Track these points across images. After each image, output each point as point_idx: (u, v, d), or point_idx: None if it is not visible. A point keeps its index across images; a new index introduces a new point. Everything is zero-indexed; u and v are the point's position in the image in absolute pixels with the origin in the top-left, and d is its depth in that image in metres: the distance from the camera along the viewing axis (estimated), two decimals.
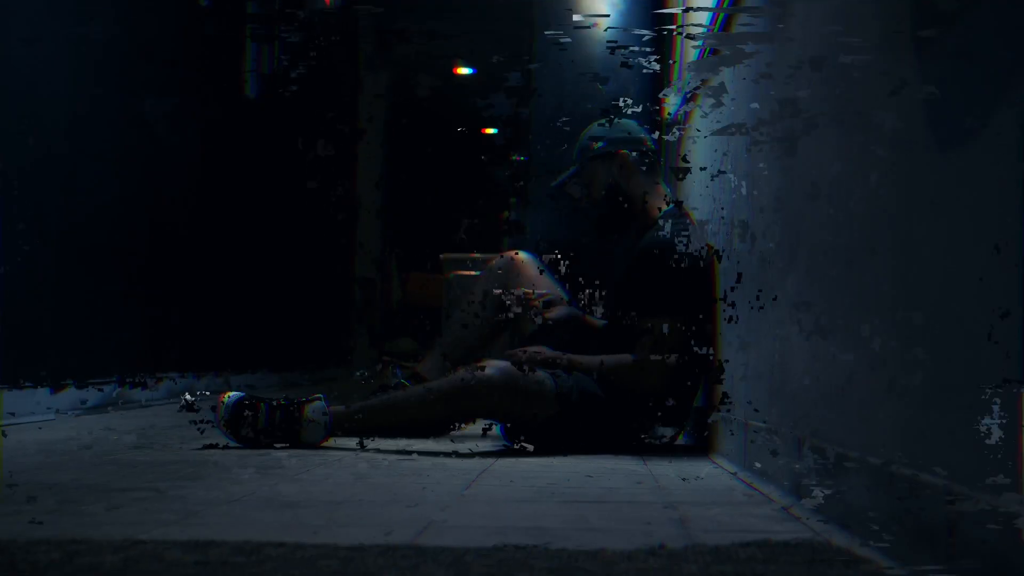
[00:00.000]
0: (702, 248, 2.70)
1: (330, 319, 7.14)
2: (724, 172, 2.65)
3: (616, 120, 2.95)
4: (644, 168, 2.89)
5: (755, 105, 2.23)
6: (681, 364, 2.62)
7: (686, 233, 2.72)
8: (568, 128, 3.88)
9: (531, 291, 2.91)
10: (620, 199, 2.85)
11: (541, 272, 3.05)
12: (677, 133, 3.78)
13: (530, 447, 2.55)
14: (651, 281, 2.65)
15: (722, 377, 2.49)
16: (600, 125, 2.95)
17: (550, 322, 2.85)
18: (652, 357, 2.59)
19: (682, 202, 2.94)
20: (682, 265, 2.64)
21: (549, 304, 2.91)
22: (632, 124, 2.97)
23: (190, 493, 1.72)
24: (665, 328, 2.60)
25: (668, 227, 2.72)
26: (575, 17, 4.39)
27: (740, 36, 2.46)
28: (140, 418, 3.35)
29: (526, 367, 2.59)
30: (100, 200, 3.65)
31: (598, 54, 4.55)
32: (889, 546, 1.19)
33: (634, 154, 2.88)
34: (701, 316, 2.65)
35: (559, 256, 3.08)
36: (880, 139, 1.32)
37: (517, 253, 3.11)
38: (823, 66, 1.63)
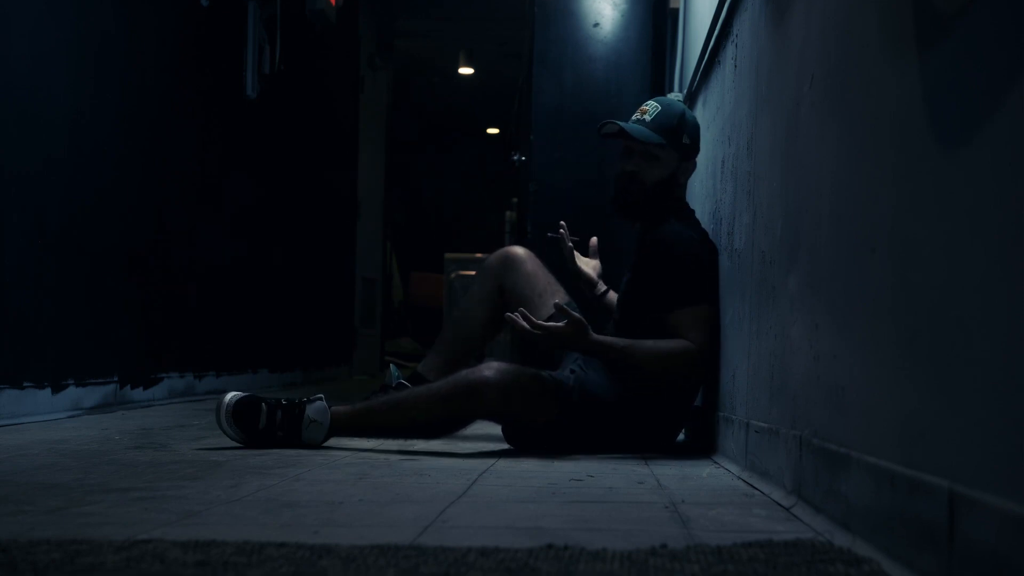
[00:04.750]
0: (710, 245, 2.70)
1: (331, 319, 7.14)
2: (724, 170, 2.65)
3: (695, 117, 2.85)
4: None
5: (754, 103, 2.23)
6: (711, 358, 2.60)
7: (701, 231, 2.72)
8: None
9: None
10: (662, 194, 2.74)
11: (538, 266, 3.02)
12: None
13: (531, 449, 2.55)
14: (682, 272, 2.58)
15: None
16: (691, 117, 2.79)
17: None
18: (706, 340, 2.53)
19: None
20: (704, 256, 2.62)
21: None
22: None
23: (190, 493, 1.72)
24: (706, 312, 2.55)
25: (680, 223, 2.69)
26: None
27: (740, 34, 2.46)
28: (140, 418, 3.36)
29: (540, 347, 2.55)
30: (100, 200, 3.65)
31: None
32: (890, 546, 1.19)
33: (695, 165, 2.85)
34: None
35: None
36: (880, 138, 1.32)
37: (513, 247, 3.09)
38: (823, 65, 1.63)
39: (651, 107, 2.77)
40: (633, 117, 2.78)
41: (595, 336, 2.52)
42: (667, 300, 2.58)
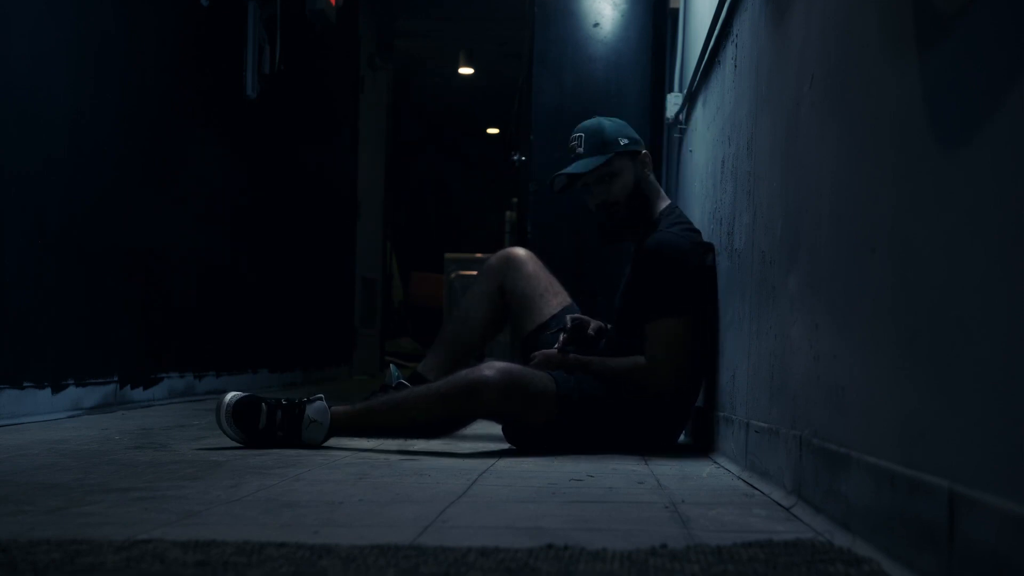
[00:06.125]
0: (705, 246, 2.70)
1: (331, 319, 7.14)
2: (724, 170, 2.65)
3: (614, 119, 2.88)
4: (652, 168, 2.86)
5: (754, 103, 2.23)
6: (691, 363, 2.62)
7: (693, 233, 2.72)
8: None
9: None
10: (640, 200, 2.77)
11: (539, 267, 3.03)
12: (679, 132, 3.78)
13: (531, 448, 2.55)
14: (661, 281, 2.60)
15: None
16: (610, 121, 2.82)
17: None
18: (664, 356, 2.57)
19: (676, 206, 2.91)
20: (690, 264, 2.62)
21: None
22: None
23: (190, 493, 1.72)
24: (677, 327, 2.58)
25: (673, 228, 2.69)
26: None
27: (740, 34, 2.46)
28: (140, 418, 3.36)
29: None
30: (100, 200, 3.65)
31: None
32: (890, 546, 1.19)
33: (648, 153, 2.86)
34: (707, 315, 2.65)
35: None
36: (880, 138, 1.32)
37: (515, 248, 3.10)
38: (823, 65, 1.63)
39: (577, 138, 2.81)
40: (571, 157, 2.81)
41: (573, 356, 2.65)
42: (644, 310, 2.62)
